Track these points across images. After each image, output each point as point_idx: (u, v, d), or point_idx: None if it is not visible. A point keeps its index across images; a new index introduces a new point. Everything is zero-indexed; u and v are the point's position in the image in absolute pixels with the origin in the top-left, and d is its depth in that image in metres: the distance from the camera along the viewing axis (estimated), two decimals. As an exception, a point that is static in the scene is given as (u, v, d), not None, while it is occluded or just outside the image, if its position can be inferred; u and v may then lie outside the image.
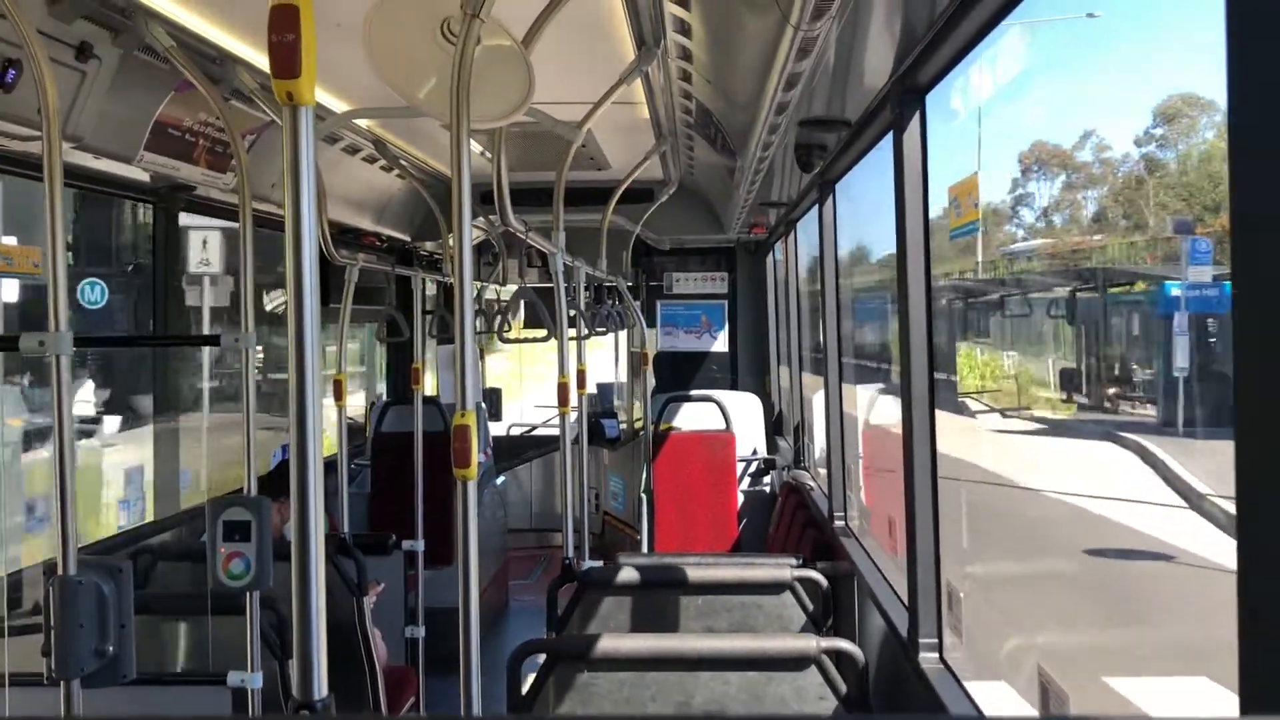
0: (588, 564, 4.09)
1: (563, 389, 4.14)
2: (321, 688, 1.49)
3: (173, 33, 3.20)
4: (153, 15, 3.11)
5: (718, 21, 3.04)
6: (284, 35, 1.41)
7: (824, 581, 3.89)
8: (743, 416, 7.92)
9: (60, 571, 2.33)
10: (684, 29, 3.24)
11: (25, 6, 2.55)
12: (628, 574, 3.97)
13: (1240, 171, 1.15)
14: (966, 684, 2.96)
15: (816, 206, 5.05)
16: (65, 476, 2.37)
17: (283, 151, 1.48)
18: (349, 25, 2.48)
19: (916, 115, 2.98)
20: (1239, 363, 1.14)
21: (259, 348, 3.29)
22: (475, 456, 2.01)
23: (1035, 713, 2.66)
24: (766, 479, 7.85)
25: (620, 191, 5.06)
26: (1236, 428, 1.14)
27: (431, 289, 8.72)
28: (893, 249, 3.13)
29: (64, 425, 2.37)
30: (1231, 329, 1.14)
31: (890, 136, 3.13)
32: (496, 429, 10.26)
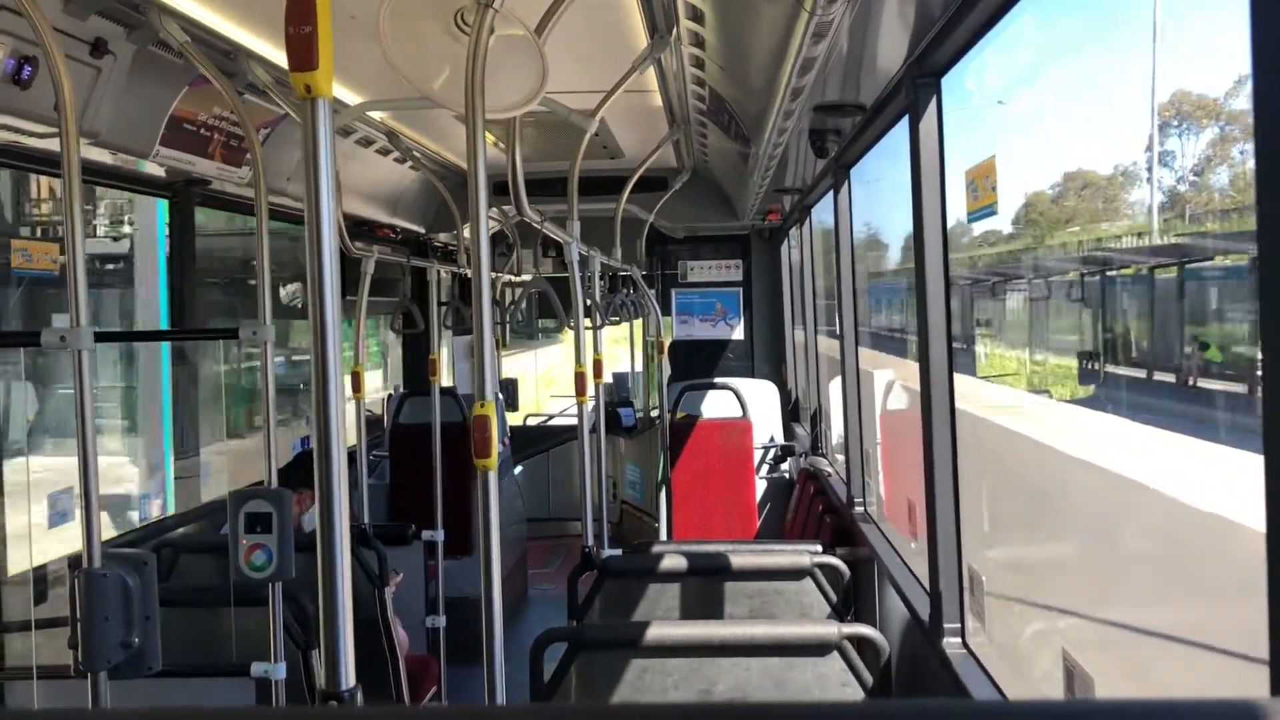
0: (607, 552, 4.10)
1: (580, 378, 4.15)
2: (349, 678, 1.50)
3: (187, 28, 3.20)
4: (166, 11, 3.12)
5: (731, 7, 3.02)
6: (301, 27, 1.41)
7: (844, 568, 3.88)
8: (759, 404, 7.91)
9: (85, 565, 2.35)
10: (697, 15, 3.23)
11: (40, 4, 2.56)
12: (648, 562, 3.97)
13: (1265, 167, 1.14)
14: (990, 669, 2.95)
15: (832, 192, 5.03)
16: (88, 470, 2.38)
17: (301, 144, 1.49)
18: (362, 17, 2.48)
19: (933, 99, 2.97)
20: (1266, 347, 1.13)
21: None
22: (495, 447, 2.02)
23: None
24: (784, 466, 7.84)
25: (634, 180, 5.05)
26: (1265, 408, 1.13)
27: (446, 279, 8.74)
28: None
29: (86, 419, 2.39)
30: (1259, 321, 1.13)
31: (906, 120, 3.12)
32: (513, 419, 10.29)
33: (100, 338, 2.49)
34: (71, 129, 2.39)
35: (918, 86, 2.97)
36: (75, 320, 2.39)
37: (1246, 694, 0.70)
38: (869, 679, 2.98)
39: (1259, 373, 1.15)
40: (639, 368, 10.34)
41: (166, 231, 5.03)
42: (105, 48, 3.14)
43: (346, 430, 1.57)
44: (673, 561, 3.92)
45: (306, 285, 1.53)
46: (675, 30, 3.43)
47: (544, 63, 2.38)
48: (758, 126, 4.06)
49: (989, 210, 2.78)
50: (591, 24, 3.57)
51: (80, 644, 2.33)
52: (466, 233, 6.38)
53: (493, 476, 2.06)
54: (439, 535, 5.50)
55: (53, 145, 2.75)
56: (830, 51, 2.77)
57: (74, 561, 2.43)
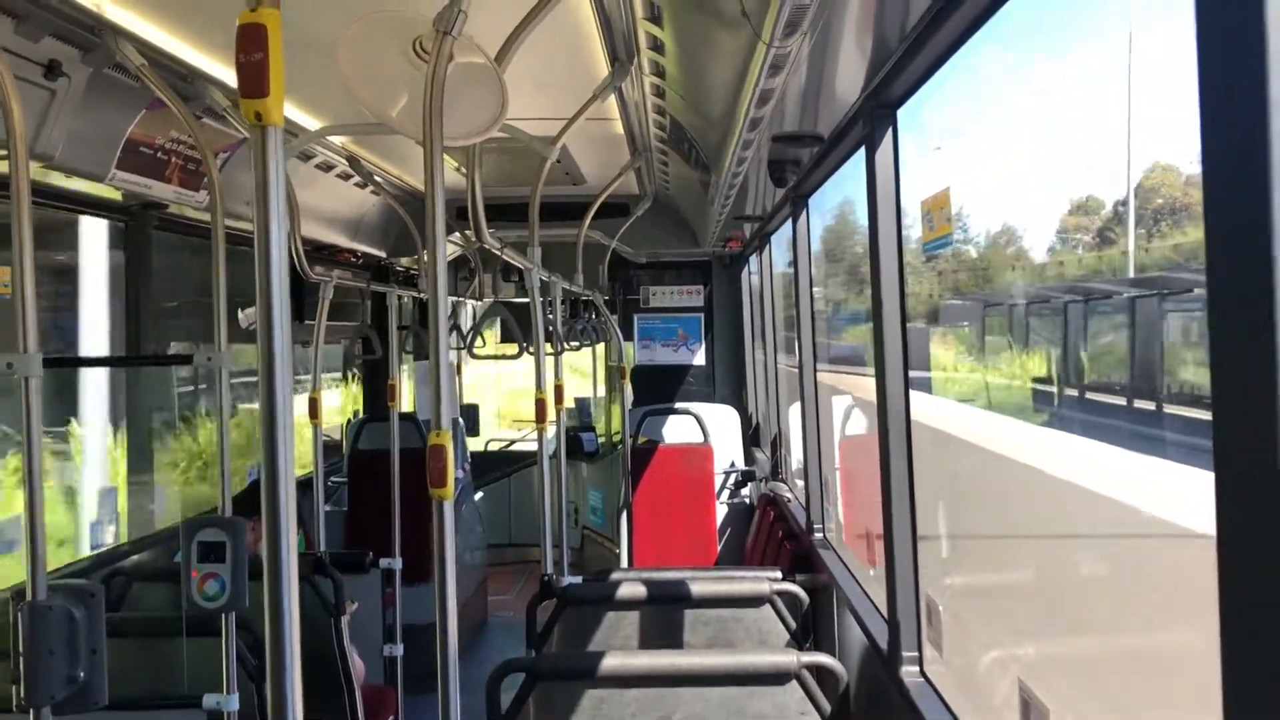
0: (567, 580, 4.07)
1: (540, 404, 4.13)
2: (297, 714, 1.47)
3: (143, 51, 3.17)
4: (122, 33, 3.09)
5: (690, 38, 3.04)
6: (252, 54, 1.40)
7: (804, 595, 3.89)
8: (720, 429, 7.93)
9: (30, 597, 2.30)
10: (657, 46, 3.25)
11: (-8, 25, 2.53)
12: (607, 590, 3.95)
13: (1210, 180, 1.16)
14: (947, 698, 2.96)
15: (790, 221, 5.07)
16: (34, 500, 2.34)
17: (252, 172, 1.47)
18: (320, 43, 2.47)
19: (889, 130, 3.00)
20: (1215, 371, 1.15)
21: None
22: (451, 476, 2.00)
23: None
24: (745, 491, 7.86)
25: (596, 206, 5.06)
26: (1214, 433, 1.15)
27: (407, 304, 8.70)
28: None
29: (33, 448, 2.35)
30: (1207, 338, 1.15)
31: (863, 150, 3.15)
32: (474, 444, 10.23)
33: (49, 364, 2.45)
34: (21, 151, 2.36)
35: (874, 118, 3.00)
36: (23, 346, 2.35)
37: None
38: (827, 708, 2.97)
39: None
40: (600, 392, 10.33)
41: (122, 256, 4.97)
42: (60, 70, 3.10)
43: (301, 457, 1.55)
44: (632, 590, 3.90)
45: (259, 313, 1.51)
46: (636, 59, 3.45)
47: (504, 91, 2.38)
48: (717, 155, 4.09)
49: (945, 241, 2.81)
50: (553, 52, 3.58)
51: (23, 679, 2.27)
52: (427, 258, 6.35)
53: (449, 506, 2.04)
54: (397, 563, 5.44)
55: (2, 167, 2.71)
56: (788, 83, 2.80)
57: (18, 593, 2.37)
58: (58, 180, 3.66)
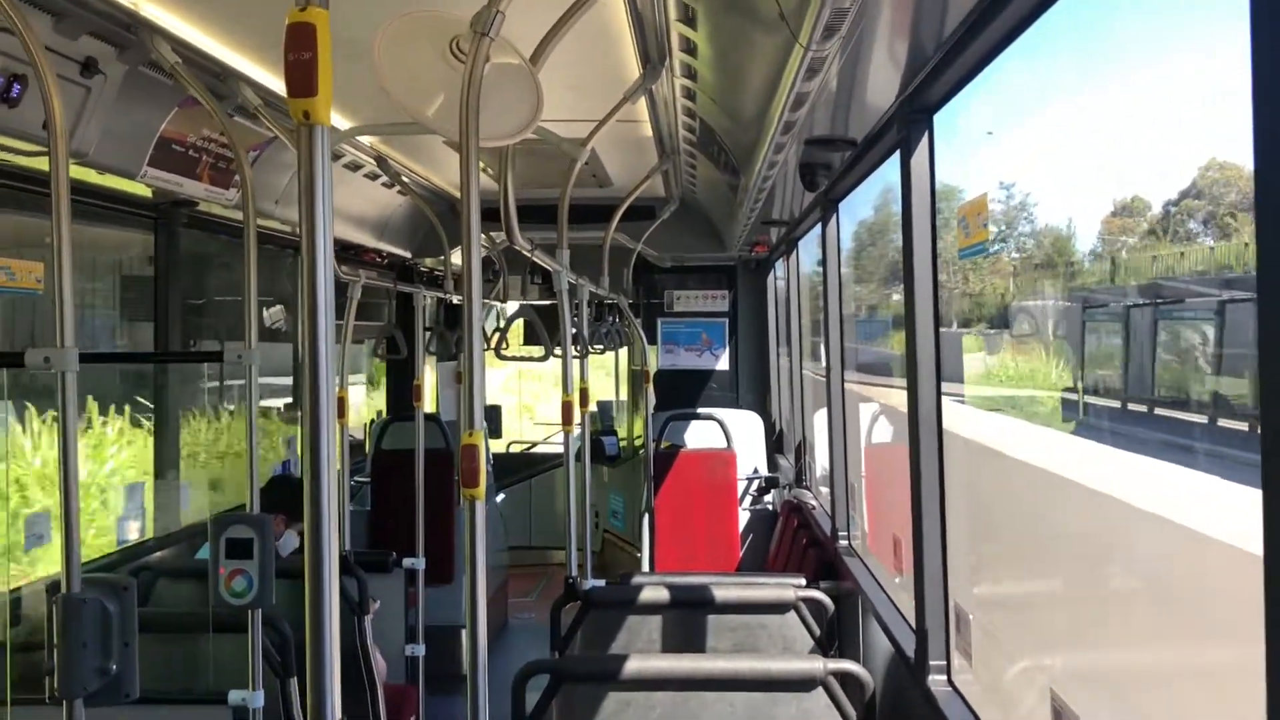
0: (590, 583, 4.07)
1: (567, 407, 4.13)
2: (335, 711, 1.47)
3: (178, 49, 3.20)
4: (158, 31, 3.11)
5: (724, 41, 3.04)
6: (300, 54, 1.40)
7: (829, 602, 3.87)
8: (744, 434, 7.91)
9: (64, 590, 2.31)
10: (690, 48, 3.24)
11: (32, 23, 2.55)
12: (631, 593, 3.95)
13: (1265, 171, 1.15)
14: (976, 708, 2.94)
15: (820, 225, 5.05)
16: (70, 494, 2.35)
17: (297, 170, 1.48)
18: (353, 42, 2.47)
19: (925, 135, 2.98)
20: (1264, 370, 1.13)
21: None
22: (484, 476, 2.00)
23: None
24: (768, 498, 7.83)
25: (623, 209, 5.05)
26: (1263, 431, 1.13)
27: (430, 305, 8.72)
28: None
29: (69, 442, 2.36)
30: (1256, 336, 1.13)
31: (898, 154, 3.13)
32: (496, 446, 10.25)
33: (85, 359, 2.46)
34: (61, 148, 2.37)
35: (910, 123, 2.99)
36: (60, 341, 2.36)
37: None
38: (853, 715, 2.95)
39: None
40: (622, 396, 10.33)
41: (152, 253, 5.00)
42: (96, 67, 3.13)
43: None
44: (657, 593, 3.89)
45: (299, 311, 1.51)
46: (668, 61, 3.44)
47: (538, 91, 2.37)
48: (747, 158, 4.08)
49: (980, 247, 2.79)
50: (585, 53, 3.58)
51: (57, 670, 2.29)
52: (454, 258, 6.36)
53: (480, 506, 2.03)
54: (420, 563, 5.46)
55: (38, 164, 2.72)
56: (823, 87, 2.79)
57: (52, 586, 2.38)
58: (89, 177, 3.68)
